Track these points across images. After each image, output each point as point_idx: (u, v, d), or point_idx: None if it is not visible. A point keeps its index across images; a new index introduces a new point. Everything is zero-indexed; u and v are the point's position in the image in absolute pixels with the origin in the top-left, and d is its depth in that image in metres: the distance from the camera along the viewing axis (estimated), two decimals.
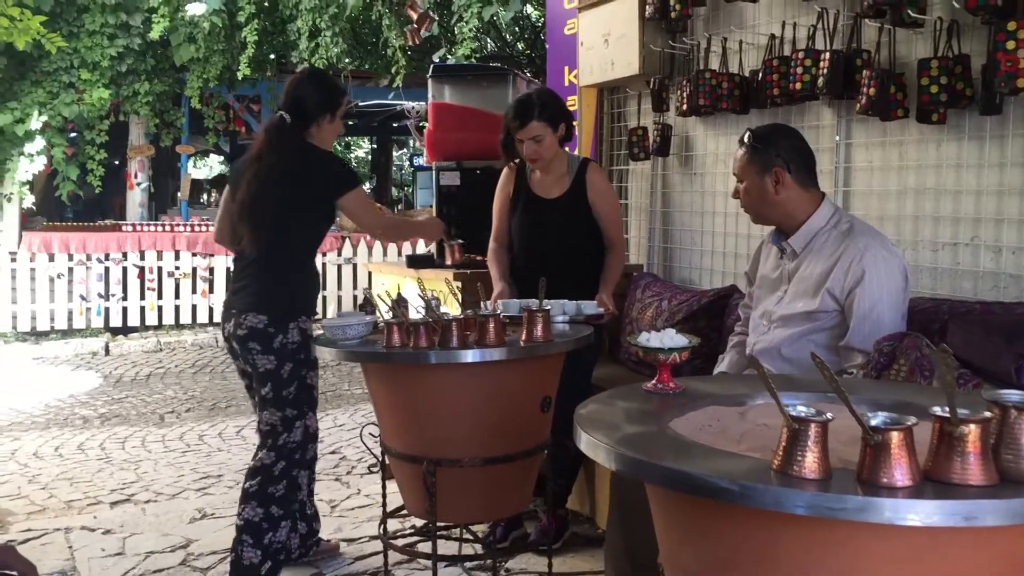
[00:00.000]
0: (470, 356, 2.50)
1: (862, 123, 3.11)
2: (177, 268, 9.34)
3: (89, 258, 9.05)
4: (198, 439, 5.30)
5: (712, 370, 2.85)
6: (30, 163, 9.24)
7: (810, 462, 1.25)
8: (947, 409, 1.23)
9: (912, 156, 2.95)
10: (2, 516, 3.91)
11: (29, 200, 9.79)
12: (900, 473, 1.21)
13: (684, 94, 3.73)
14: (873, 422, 1.23)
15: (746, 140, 2.53)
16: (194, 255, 9.36)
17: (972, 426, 1.22)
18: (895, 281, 2.36)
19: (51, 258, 8.95)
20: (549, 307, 2.72)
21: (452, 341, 2.51)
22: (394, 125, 15.06)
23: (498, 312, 2.66)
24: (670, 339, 1.85)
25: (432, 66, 4.99)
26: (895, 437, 1.21)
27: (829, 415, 1.27)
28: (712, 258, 3.94)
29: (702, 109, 3.64)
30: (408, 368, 2.63)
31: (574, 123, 3.55)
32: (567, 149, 3.56)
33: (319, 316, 3.14)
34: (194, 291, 9.39)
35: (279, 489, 2.98)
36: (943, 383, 1.24)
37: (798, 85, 3.11)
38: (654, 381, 1.83)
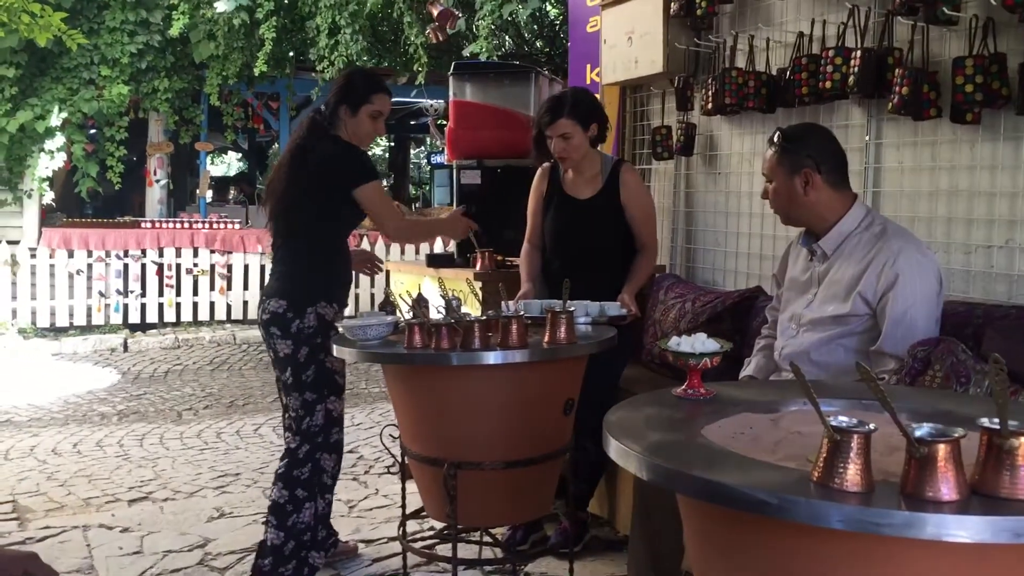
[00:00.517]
0: (492, 358, 2.47)
1: (893, 123, 3.05)
2: (195, 265, 9.35)
3: (108, 254, 9.07)
4: (216, 437, 5.29)
5: (737, 374, 2.80)
6: (50, 159, 9.28)
7: (852, 474, 1.20)
8: (996, 420, 1.18)
9: (945, 157, 2.89)
10: (21, 513, 3.91)
11: (49, 196, 9.83)
12: (946, 487, 1.16)
13: (709, 93, 3.67)
14: (918, 433, 1.18)
15: (776, 140, 2.48)
16: (212, 252, 9.37)
17: (1023, 439, 1.17)
18: (929, 285, 2.30)
19: (70, 254, 8.97)
20: (572, 308, 2.68)
21: (474, 342, 2.48)
22: (411, 123, 15.05)
23: (520, 313, 2.63)
24: (701, 344, 1.80)
25: (454, 64, 4.96)
26: (942, 450, 1.17)
27: (872, 426, 1.23)
28: (736, 259, 3.89)
29: (728, 108, 3.58)
30: (429, 370, 2.60)
31: (608, 124, 3.47)
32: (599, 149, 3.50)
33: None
34: (212, 288, 9.41)
35: (304, 472, 3.00)
36: (996, 394, 1.19)
37: (828, 84, 3.05)
38: (684, 387, 1.79)
